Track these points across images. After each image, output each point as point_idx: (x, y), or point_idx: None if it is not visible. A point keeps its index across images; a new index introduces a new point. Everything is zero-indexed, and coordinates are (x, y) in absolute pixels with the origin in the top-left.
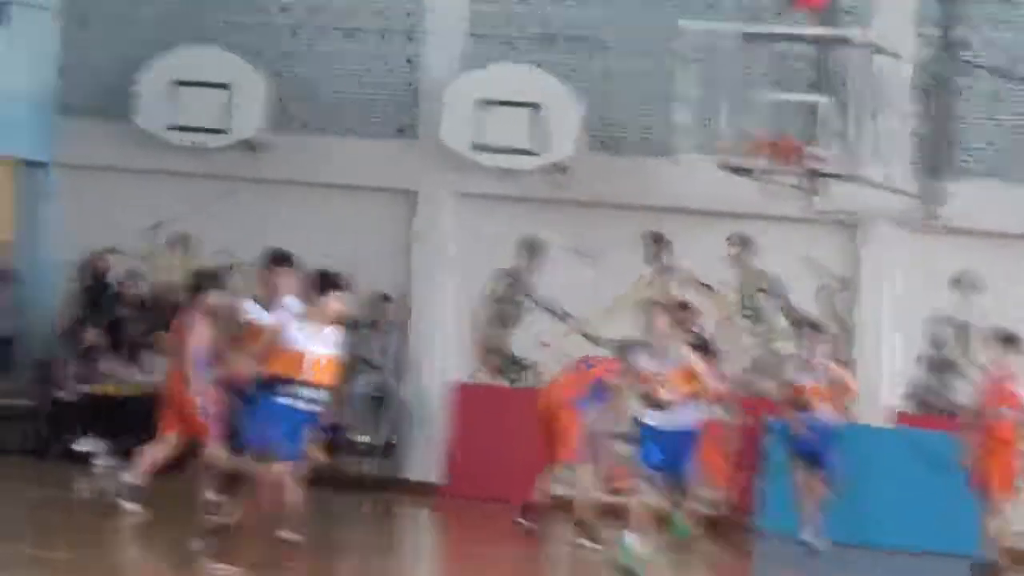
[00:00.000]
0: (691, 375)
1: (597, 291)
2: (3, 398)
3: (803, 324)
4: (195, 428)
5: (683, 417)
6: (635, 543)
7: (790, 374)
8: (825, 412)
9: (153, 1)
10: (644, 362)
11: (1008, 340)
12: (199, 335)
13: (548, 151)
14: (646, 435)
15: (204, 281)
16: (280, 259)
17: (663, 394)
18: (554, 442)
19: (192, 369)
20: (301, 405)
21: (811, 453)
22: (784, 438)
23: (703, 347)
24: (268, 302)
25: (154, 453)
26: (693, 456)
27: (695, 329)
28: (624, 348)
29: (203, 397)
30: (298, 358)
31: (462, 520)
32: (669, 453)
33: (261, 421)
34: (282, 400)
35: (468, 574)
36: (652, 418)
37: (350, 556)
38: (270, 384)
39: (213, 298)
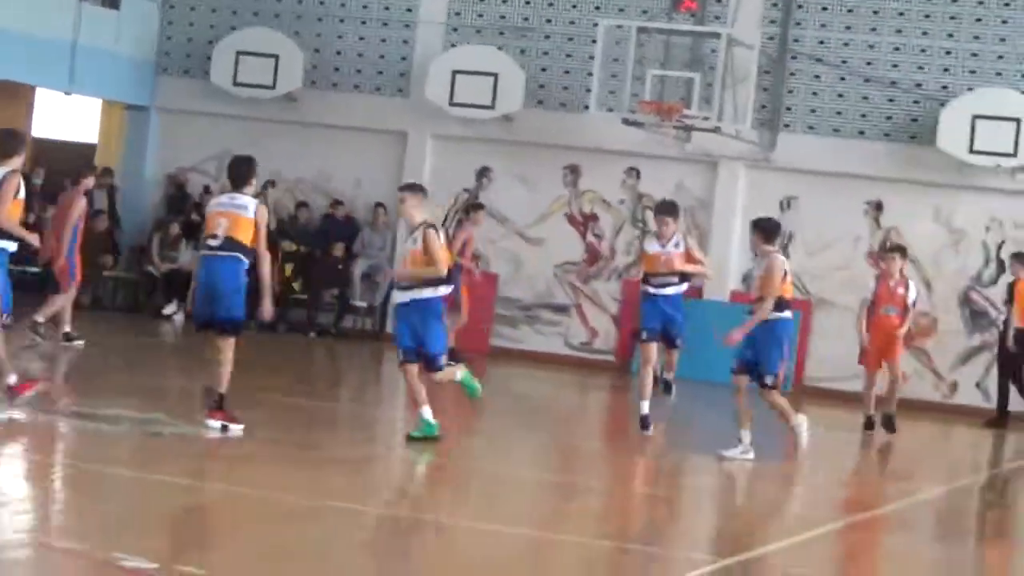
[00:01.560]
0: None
1: (530, 205)
2: (112, 271)
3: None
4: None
5: None
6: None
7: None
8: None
9: None
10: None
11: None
12: (78, 208)
13: (500, 107)
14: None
15: (83, 169)
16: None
17: None
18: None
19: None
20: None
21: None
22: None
23: None
24: None
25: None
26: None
27: None
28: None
29: (73, 256)
30: None
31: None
32: None
33: None
34: None
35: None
36: None
37: (350, 382)
38: None
39: (89, 181)
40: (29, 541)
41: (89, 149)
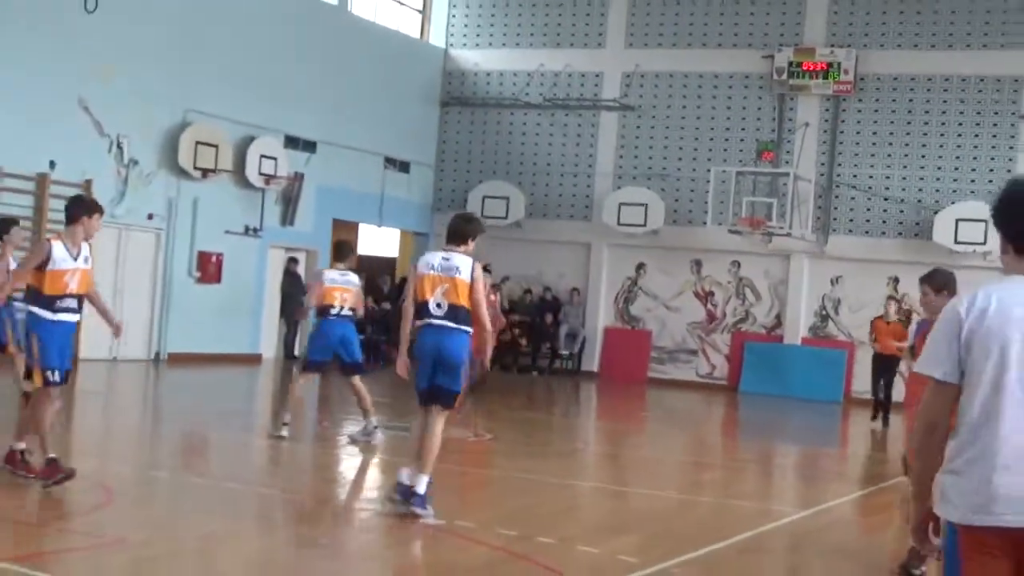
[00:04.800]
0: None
1: (670, 287)
2: None
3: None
4: None
5: None
6: None
7: None
8: None
9: (473, 157)
10: None
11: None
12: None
13: (649, 225)
14: None
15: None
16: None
17: None
18: None
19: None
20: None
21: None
22: None
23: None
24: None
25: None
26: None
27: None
28: None
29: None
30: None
31: (606, 388)
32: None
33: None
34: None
35: (604, 407)
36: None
37: (559, 403)
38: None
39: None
40: (368, 508)
41: (392, 261)
